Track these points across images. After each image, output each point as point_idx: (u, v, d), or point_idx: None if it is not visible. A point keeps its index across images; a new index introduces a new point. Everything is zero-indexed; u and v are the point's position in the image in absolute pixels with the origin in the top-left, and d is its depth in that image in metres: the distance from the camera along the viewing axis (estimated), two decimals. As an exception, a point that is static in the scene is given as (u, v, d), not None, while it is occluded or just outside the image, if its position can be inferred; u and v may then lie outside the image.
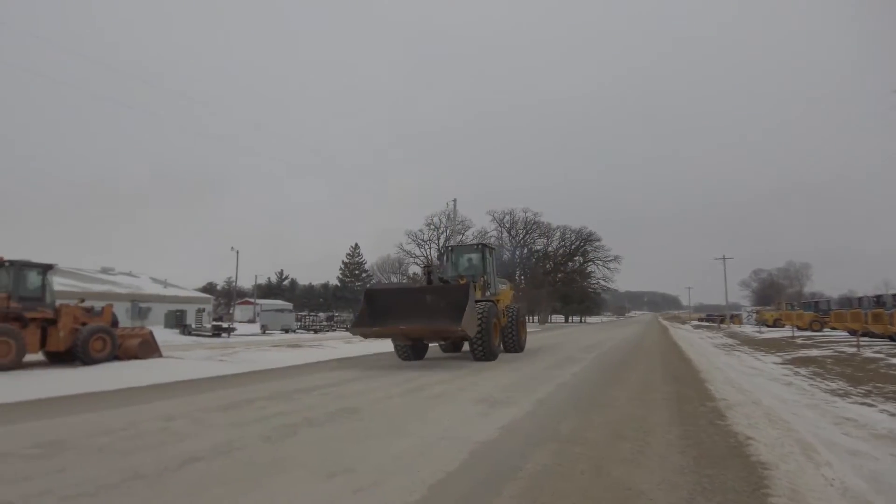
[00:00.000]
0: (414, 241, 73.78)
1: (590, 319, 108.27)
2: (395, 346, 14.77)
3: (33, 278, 13.67)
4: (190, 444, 5.06)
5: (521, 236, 79.25)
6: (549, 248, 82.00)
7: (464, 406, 7.26)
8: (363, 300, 14.11)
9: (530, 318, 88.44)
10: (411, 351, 14.53)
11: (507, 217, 77.81)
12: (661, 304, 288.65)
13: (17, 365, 11.99)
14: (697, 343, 25.86)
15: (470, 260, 17.38)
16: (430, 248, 74.73)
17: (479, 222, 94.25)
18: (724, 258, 66.92)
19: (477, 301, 13.92)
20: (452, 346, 17.42)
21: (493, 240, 79.19)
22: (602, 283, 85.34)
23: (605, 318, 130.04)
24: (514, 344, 16.48)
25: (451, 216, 46.90)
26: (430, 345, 16.62)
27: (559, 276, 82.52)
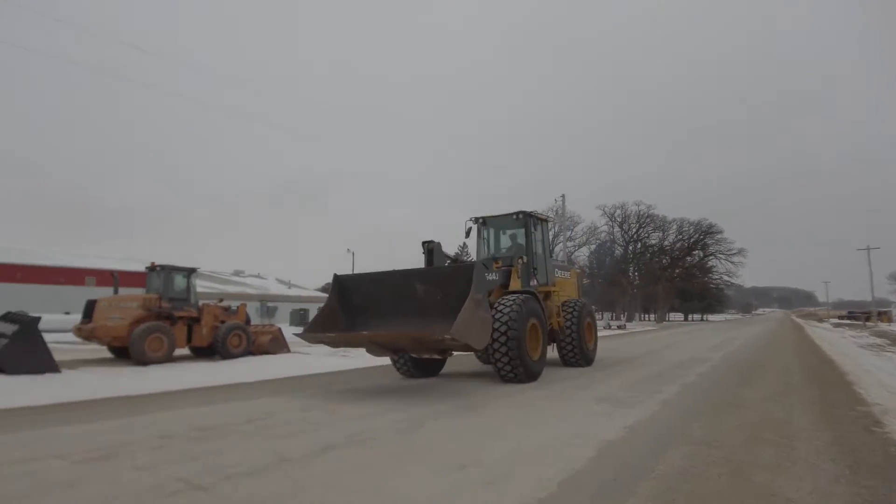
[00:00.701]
0: (522, 238, 73.26)
1: (711, 317, 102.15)
2: (391, 359, 10.54)
3: (179, 281, 15.20)
4: (326, 433, 5.39)
5: (634, 231, 76.20)
6: (665, 243, 78.09)
7: (585, 405, 7.13)
8: (331, 293, 9.86)
9: (646, 316, 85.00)
10: (412, 364, 10.35)
11: (619, 211, 75.08)
12: (794, 300, 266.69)
13: (169, 358, 13.40)
14: (839, 343, 23.51)
15: (514, 237, 12.39)
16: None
17: (589, 217, 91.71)
18: (868, 249, 60.40)
19: (509, 292, 10.00)
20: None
21: (603, 235, 76.87)
22: (725, 278, 79.64)
23: (728, 316, 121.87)
24: (576, 355, 11.85)
25: (560, 212, 45.95)
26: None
27: (677, 272, 78.23)
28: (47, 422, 6.20)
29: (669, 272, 77.41)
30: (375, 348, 9.12)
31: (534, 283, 11.28)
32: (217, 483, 3.74)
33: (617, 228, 76.24)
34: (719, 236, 75.21)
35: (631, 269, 78.27)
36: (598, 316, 73.72)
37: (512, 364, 9.05)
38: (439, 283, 8.91)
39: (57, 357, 10.60)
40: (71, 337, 16.38)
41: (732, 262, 75.80)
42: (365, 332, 8.93)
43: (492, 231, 12.51)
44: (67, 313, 27.13)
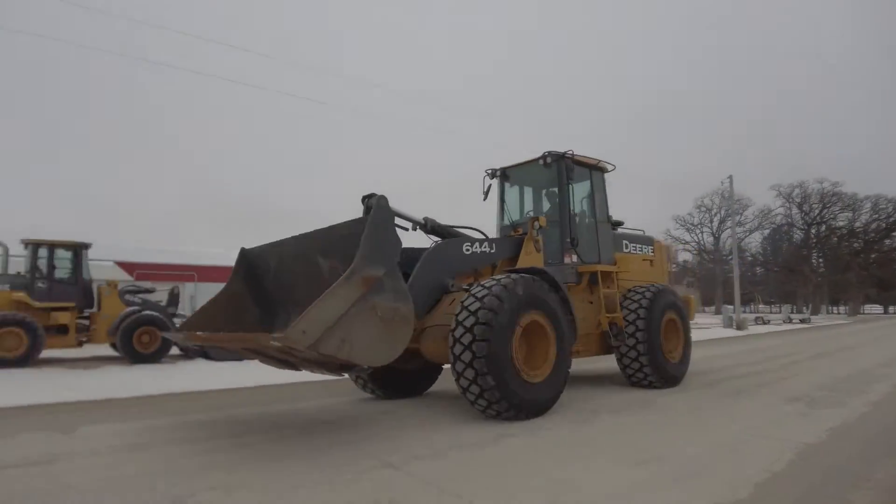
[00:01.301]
0: (682, 225, 68.90)
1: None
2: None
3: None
4: (501, 421, 5.48)
5: (817, 212, 67.75)
6: (856, 224, 68.41)
7: (774, 403, 6.51)
8: (234, 273, 6.51)
9: (834, 308, 75.33)
10: (370, 378, 6.89)
11: (797, 191, 67.26)
12: None
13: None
14: None
15: (552, 195, 8.40)
16: (701, 233, 69.03)
17: (761, 200, 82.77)
18: None
19: (514, 271, 6.19)
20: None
21: (779, 218, 69.48)
22: (937, 263, 67.91)
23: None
24: (647, 373, 7.58)
25: (726, 195, 42.31)
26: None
27: (872, 257, 68.23)
28: (252, 401, 7.08)
29: (863, 258, 67.80)
30: (266, 359, 5.42)
31: (572, 259, 7.66)
32: (405, 462, 4.00)
33: (795, 210, 68.63)
34: (926, 213, 64.30)
35: (814, 255, 69.98)
36: (775, 309, 66.70)
37: (486, 391, 5.28)
38: (338, 251, 5.45)
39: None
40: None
41: (946, 244, 64.44)
42: (200, 333, 5.65)
43: (519, 188, 8.82)
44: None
